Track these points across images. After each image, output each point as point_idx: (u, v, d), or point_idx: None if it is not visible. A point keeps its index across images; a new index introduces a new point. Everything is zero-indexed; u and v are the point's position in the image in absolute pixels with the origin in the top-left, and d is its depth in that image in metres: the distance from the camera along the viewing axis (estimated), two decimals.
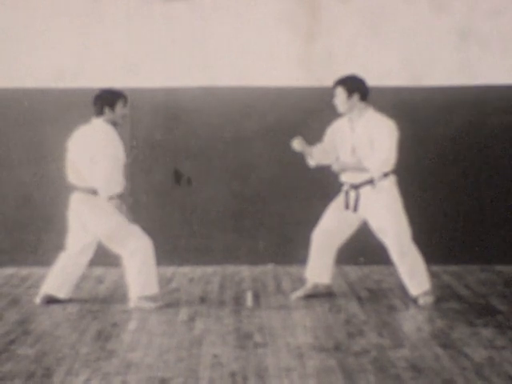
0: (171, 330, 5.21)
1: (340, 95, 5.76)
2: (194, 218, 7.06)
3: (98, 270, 6.72)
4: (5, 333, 5.14)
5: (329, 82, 6.54)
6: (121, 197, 5.69)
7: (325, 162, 5.85)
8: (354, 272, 6.74)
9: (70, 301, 5.84)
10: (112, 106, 5.70)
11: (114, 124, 5.72)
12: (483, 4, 6.91)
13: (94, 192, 5.63)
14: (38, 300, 5.84)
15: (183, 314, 5.59)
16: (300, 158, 5.95)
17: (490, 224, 7.03)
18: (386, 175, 5.70)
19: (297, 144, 5.73)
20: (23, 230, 6.99)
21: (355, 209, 5.76)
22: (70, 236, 5.85)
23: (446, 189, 7.01)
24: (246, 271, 6.89)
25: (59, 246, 5.99)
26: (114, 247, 5.75)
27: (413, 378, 4.29)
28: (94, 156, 5.55)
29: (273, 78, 6.90)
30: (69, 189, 5.78)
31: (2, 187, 6.97)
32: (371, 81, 6.88)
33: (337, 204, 5.92)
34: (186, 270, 6.93)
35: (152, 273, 5.71)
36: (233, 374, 4.36)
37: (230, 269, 6.95)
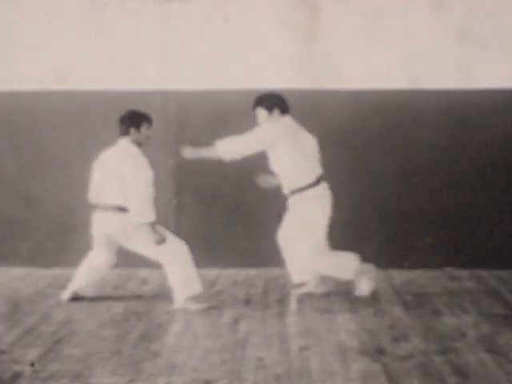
0: (215, 332, 5.23)
1: (261, 115, 5.87)
2: (238, 219, 7.06)
3: (143, 272, 6.77)
4: (51, 332, 5.21)
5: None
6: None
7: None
8: (398, 276, 6.69)
9: (115, 301, 5.91)
10: (138, 127, 5.82)
11: (139, 144, 5.84)
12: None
13: (118, 209, 5.72)
14: (65, 297, 5.96)
15: (227, 316, 5.61)
16: None
17: None
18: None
19: (262, 181, 5.94)
20: (69, 232, 7.07)
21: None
22: (96, 247, 5.98)
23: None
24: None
25: None
26: (151, 256, 5.84)
27: (458, 383, 4.26)
28: (123, 180, 5.65)
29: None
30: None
31: (51, 189, 7.05)
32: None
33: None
34: (229, 272, 6.94)
35: (193, 273, 5.77)
36: (277, 377, 4.35)
37: (274, 271, 6.94)
